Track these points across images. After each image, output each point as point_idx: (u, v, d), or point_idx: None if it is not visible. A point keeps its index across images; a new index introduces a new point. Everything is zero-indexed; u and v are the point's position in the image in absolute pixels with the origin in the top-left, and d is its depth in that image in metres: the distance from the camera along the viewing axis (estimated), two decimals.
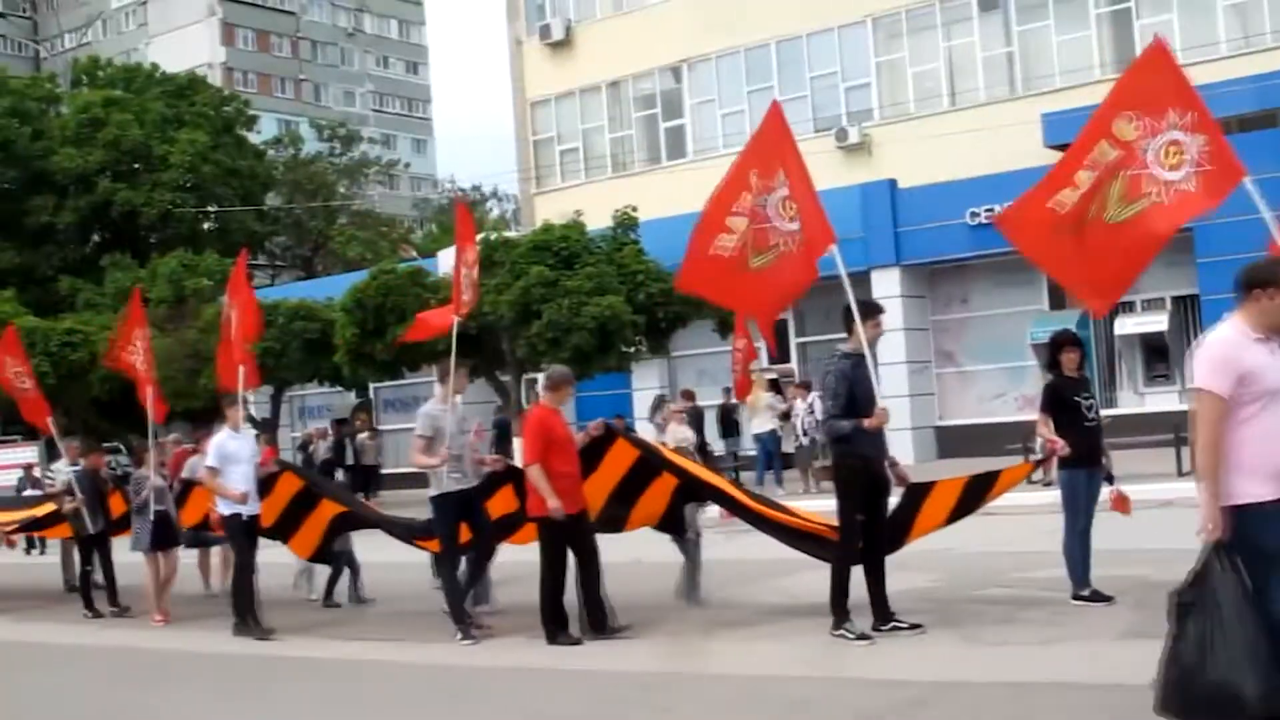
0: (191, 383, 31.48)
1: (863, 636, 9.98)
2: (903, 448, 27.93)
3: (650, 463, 12.07)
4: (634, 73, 39.13)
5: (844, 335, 10.51)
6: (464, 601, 11.90)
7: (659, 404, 25.38)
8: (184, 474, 15.53)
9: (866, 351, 10.31)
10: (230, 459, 13.12)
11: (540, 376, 12.49)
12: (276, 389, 34.91)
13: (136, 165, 52.60)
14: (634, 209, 29.08)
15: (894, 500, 10.75)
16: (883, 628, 10.25)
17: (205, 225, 54.79)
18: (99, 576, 15.96)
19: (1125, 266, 10.00)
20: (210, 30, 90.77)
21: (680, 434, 21.45)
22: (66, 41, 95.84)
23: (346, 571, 14.80)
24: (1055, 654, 9.29)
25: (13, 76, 56.78)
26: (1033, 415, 11.90)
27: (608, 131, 39.93)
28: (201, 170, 52.71)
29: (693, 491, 12.42)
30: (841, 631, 10.05)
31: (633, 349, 27.87)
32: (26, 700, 11.22)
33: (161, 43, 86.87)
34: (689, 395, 26.11)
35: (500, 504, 12.27)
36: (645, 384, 33.19)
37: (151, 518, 14.62)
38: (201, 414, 33.73)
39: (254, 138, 60.56)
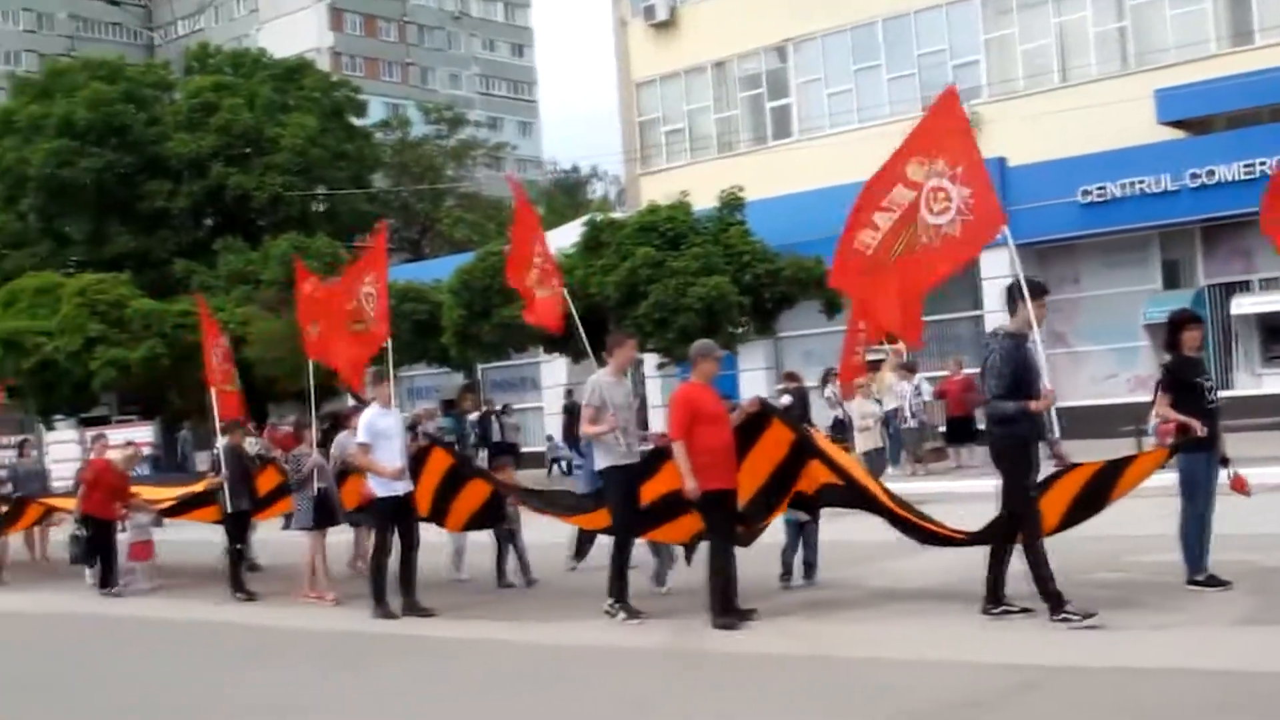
0: (303, 364, 31.85)
1: (1087, 615, 9.55)
2: None
3: (804, 449, 11.68)
4: (739, 52, 38.93)
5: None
6: (626, 579, 11.68)
7: (828, 376, 25.01)
8: (333, 452, 15.26)
9: (1036, 332, 10.15)
10: (381, 435, 12.97)
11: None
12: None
13: (248, 150, 53.24)
14: (740, 189, 28.97)
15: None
16: (993, 610, 10.14)
17: (315, 208, 55.37)
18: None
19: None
20: (319, 15, 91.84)
21: (866, 408, 21.20)
22: (179, 29, 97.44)
23: (509, 547, 14.55)
24: (1169, 639, 9.16)
25: (128, 64, 57.70)
26: (1145, 396, 11.71)
27: (713, 112, 39.77)
28: (311, 154, 53.25)
29: (840, 493, 11.90)
30: (1064, 615, 9.63)
31: (739, 330, 27.78)
32: (120, 674, 11.55)
33: (271, 28, 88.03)
34: (793, 376, 25.97)
35: (659, 485, 11.89)
36: (752, 365, 33.15)
37: (313, 494, 14.55)
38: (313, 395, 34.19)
39: (361, 121, 61.10)
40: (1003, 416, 10.00)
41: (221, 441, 15.92)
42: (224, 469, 15.53)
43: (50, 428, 45.14)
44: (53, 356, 40.52)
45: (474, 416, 32.70)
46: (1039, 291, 10.35)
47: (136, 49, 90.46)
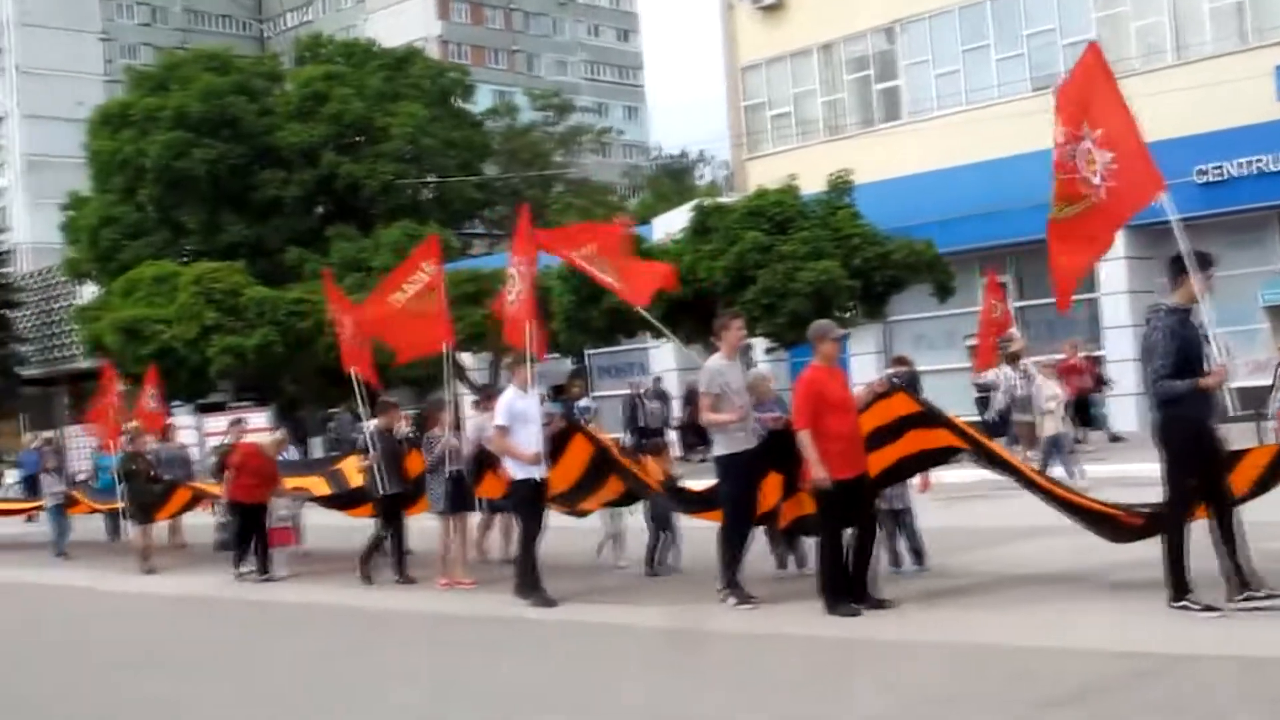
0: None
1: (1209, 608, 9.30)
2: (1129, 415, 27.28)
3: (926, 416, 11.30)
4: (846, 35, 38.65)
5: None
6: (738, 567, 11.50)
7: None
8: (469, 435, 15.00)
9: (1203, 305, 9.75)
10: (520, 418, 12.73)
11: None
12: (495, 356, 35.52)
13: (358, 138, 53.85)
14: (848, 172, 28.82)
15: None
16: (1238, 598, 9.46)
17: (425, 195, 55.87)
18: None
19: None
20: (426, 4, 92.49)
21: (1049, 390, 20.68)
22: (288, 20, 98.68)
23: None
24: None
25: (239, 56, 58.57)
26: (1264, 380, 11.49)
27: (820, 95, 39.51)
28: (421, 142, 53.73)
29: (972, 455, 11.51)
30: (1184, 603, 9.39)
31: (848, 314, 27.65)
32: (235, 655, 11.73)
33: (379, 18, 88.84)
34: (903, 360, 25.73)
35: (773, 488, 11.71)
36: (862, 349, 32.97)
37: (447, 477, 14.38)
38: (425, 381, 34.55)
39: (470, 108, 61.49)
40: (1172, 396, 9.50)
41: (372, 423, 15.80)
42: (374, 450, 15.29)
43: (169, 414, 45.97)
44: (170, 344, 41.26)
45: (584, 402, 32.90)
46: (1205, 263, 9.85)
47: (247, 41, 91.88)
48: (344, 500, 17.43)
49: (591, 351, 38.15)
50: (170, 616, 15.34)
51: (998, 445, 12.85)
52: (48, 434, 44.50)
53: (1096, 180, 9.97)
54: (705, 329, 28.72)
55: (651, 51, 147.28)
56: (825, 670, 9.27)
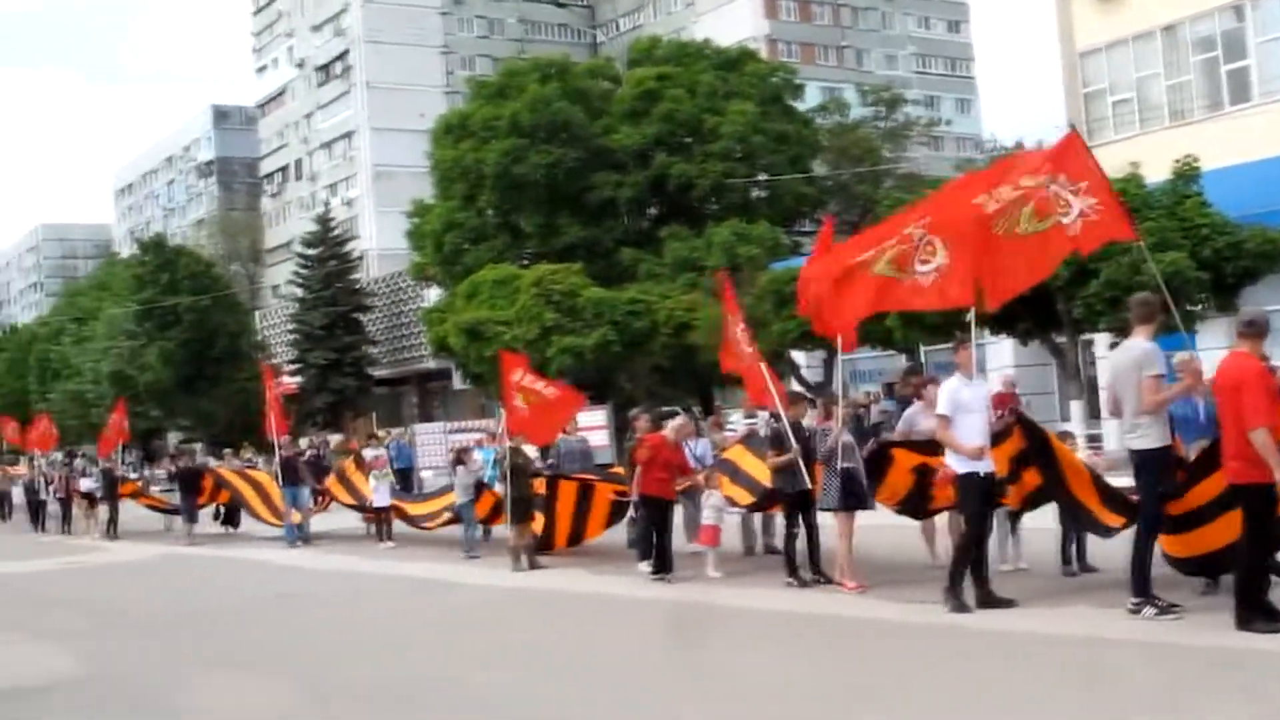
0: None
1: None
2: None
3: None
4: (1191, 14, 37.08)
5: None
6: (1148, 570, 10.76)
7: None
8: (900, 427, 14.38)
9: None
10: (963, 408, 11.98)
11: (1237, 320, 10.90)
12: (829, 352, 35.37)
13: (689, 139, 54.44)
14: (1194, 159, 27.63)
15: None
16: None
17: (756, 194, 56.09)
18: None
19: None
20: (754, 4, 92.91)
21: None
22: (620, 25, 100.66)
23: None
24: None
25: (573, 62, 59.97)
26: None
27: (1164, 79, 38.06)
28: (751, 140, 53.97)
29: None
30: None
31: (1198, 308, 26.49)
32: (588, 652, 11.86)
33: (707, 20, 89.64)
34: (1261, 356, 24.53)
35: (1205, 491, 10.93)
36: (1211, 344, 31.50)
37: (838, 473, 13.88)
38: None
39: (799, 106, 61.44)
40: None
41: (763, 416, 15.50)
42: (791, 444, 14.65)
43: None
44: (511, 345, 42.62)
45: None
46: None
47: (580, 48, 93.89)
48: (763, 503, 16.71)
49: (927, 348, 37.63)
50: (551, 613, 14.92)
51: None
52: (398, 430, 46.47)
53: None
54: (1045, 324, 28.12)
55: (983, 42, 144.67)
56: (1178, 678, 8.94)
